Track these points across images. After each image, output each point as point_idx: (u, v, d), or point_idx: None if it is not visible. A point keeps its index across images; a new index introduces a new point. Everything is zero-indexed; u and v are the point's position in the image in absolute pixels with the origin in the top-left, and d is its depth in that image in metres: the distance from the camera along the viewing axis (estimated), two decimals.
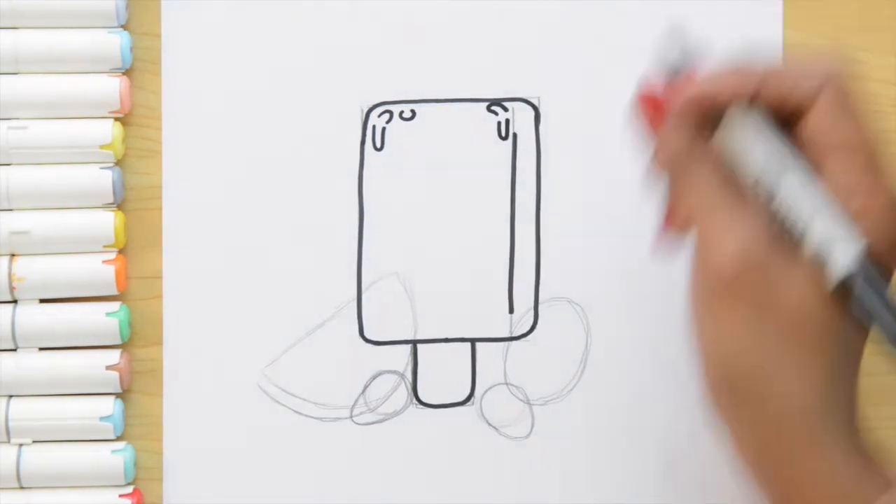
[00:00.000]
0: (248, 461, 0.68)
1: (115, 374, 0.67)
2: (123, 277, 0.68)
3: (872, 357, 0.69)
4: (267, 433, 0.68)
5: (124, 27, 0.67)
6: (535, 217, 0.69)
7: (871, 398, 0.69)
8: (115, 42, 0.67)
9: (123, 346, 0.68)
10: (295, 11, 0.68)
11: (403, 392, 0.69)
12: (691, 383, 0.68)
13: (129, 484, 0.68)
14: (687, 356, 0.69)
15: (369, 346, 0.69)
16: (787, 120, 0.55)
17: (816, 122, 0.54)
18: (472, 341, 0.69)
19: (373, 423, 0.69)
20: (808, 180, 0.53)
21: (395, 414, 0.69)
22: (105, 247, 0.67)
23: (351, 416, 0.69)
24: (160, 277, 0.68)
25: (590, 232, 0.69)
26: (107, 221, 0.67)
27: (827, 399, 0.55)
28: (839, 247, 0.52)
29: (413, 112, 0.69)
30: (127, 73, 0.68)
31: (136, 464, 0.68)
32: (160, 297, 0.68)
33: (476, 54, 0.69)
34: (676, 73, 0.57)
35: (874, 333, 0.53)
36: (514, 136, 0.69)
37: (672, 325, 0.69)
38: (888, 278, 0.52)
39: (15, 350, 0.67)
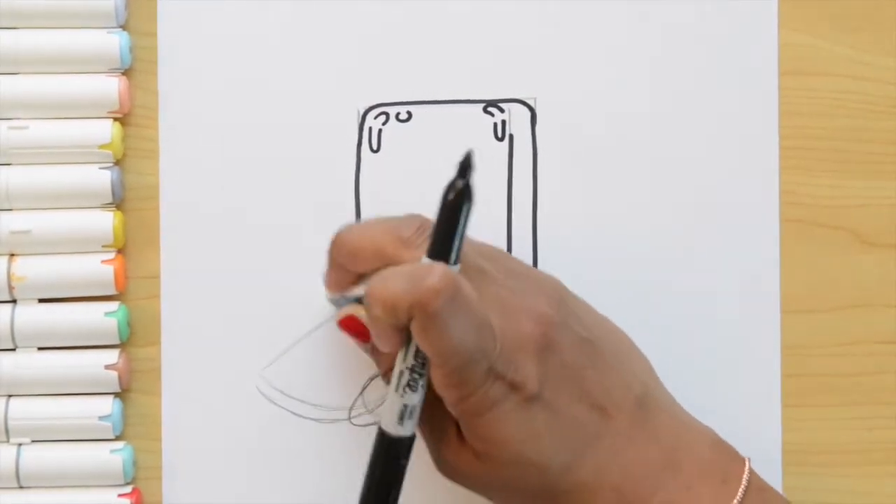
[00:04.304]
0: (246, 461, 0.68)
1: (113, 374, 0.67)
2: (122, 277, 0.68)
3: (872, 357, 0.69)
4: (265, 433, 0.68)
5: (123, 27, 0.68)
6: (532, 218, 0.69)
7: (871, 398, 0.69)
8: (114, 42, 0.67)
9: (122, 345, 0.68)
10: (291, 13, 0.69)
11: None
12: (689, 383, 0.68)
13: (128, 483, 0.68)
14: (685, 356, 0.69)
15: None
16: None
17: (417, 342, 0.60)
18: None
19: (371, 424, 0.69)
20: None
21: None
22: (104, 246, 0.68)
23: (349, 418, 0.69)
24: (159, 277, 0.68)
25: (586, 233, 0.69)
26: (106, 221, 0.67)
27: None
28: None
29: (409, 114, 0.69)
30: (126, 73, 0.68)
31: (135, 463, 0.68)
32: (159, 296, 0.68)
33: (472, 56, 0.69)
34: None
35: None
36: (511, 137, 0.69)
37: (670, 324, 0.69)
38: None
39: (14, 350, 0.67)
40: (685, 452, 0.62)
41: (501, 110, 0.69)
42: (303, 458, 0.68)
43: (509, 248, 0.69)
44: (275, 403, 0.68)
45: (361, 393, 0.69)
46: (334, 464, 0.68)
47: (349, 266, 0.63)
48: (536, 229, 0.69)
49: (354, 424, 0.69)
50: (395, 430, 0.61)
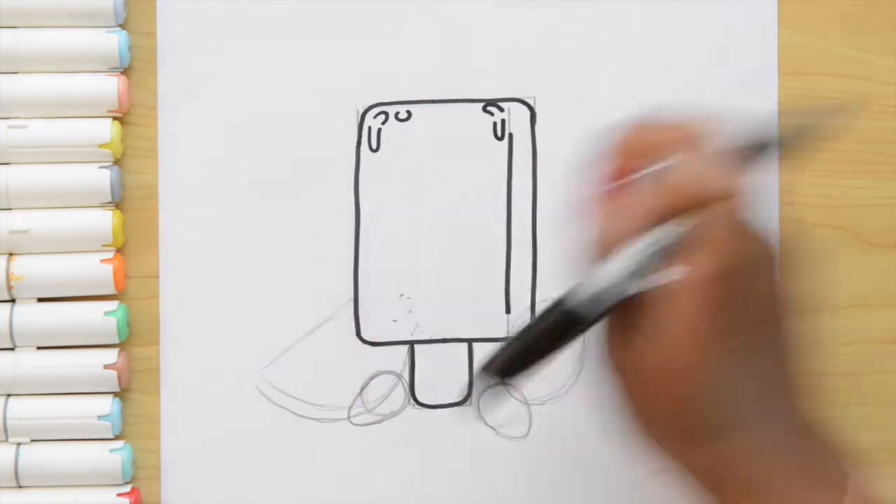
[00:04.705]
0: (245, 461, 0.68)
1: (113, 374, 0.67)
2: (121, 277, 0.68)
3: (872, 357, 0.69)
4: (264, 433, 0.68)
5: (122, 26, 0.68)
6: (532, 217, 0.69)
7: (871, 398, 0.69)
8: (113, 41, 0.67)
9: (121, 345, 0.68)
10: (291, 12, 0.69)
11: (401, 392, 0.69)
12: None
13: (127, 483, 0.68)
14: None
15: (366, 346, 0.69)
16: None
17: None
18: (469, 342, 0.69)
19: (370, 423, 0.69)
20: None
21: (393, 414, 0.69)
22: (103, 246, 0.68)
23: (349, 417, 0.69)
24: (158, 277, 0.68)
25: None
26: (105, 220, 0.67)
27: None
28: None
29: (409, 113, 0.69)
30: (125, 72, 0.68)
31: (134, 463, 0.68)
32: (158, 296, 0.68)
33: (472, 55, 0.69)
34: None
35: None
36: (510, 136, 0.69)
37: None
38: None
39: (13, 349, 0.67)
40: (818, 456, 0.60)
41: (501, 109, 0.69)
42: (302, 458, 0.68)
43: (509, 248, 0.69)
44: (275, 403, 0.68)
45: (361, 393, 0.69)
46: (334, 464, 0.68)
47: (636, 161, 0.59)
48: (536, 228, 0.69)
49: (354, 424, 0.69)
50: (582, 307, 0.57)
